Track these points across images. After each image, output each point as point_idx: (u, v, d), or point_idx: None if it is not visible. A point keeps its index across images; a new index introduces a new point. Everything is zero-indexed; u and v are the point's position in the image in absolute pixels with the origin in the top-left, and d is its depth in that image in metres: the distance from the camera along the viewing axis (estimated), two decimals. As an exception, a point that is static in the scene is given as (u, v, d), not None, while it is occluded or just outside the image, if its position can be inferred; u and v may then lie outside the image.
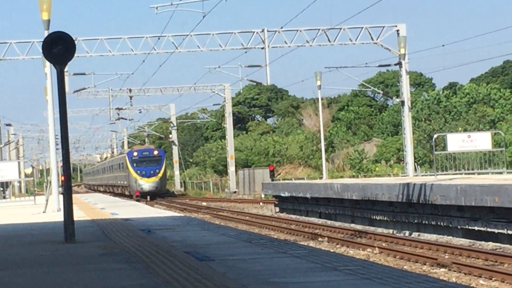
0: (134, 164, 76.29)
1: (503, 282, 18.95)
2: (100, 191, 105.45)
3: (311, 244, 29.47)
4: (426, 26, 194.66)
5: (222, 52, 57.46)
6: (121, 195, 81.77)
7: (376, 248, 27.42)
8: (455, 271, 21.55)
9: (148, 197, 75.50)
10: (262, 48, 53.19)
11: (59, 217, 24.96)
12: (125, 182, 79.22)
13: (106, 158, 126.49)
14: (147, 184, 74.96)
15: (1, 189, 78.79)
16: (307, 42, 53.03)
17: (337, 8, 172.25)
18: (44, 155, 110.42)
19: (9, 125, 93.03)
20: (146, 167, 76.10)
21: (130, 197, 75.06)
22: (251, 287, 10.55)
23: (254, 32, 54.09)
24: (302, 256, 14.30)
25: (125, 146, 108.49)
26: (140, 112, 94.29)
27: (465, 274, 20.99)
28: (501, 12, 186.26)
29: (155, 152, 78.61)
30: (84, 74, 66.48)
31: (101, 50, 55.81)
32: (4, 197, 76.15)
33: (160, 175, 76.03)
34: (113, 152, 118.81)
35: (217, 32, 53.98)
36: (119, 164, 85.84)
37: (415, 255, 25.10)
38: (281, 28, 51.95)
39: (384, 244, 28.54)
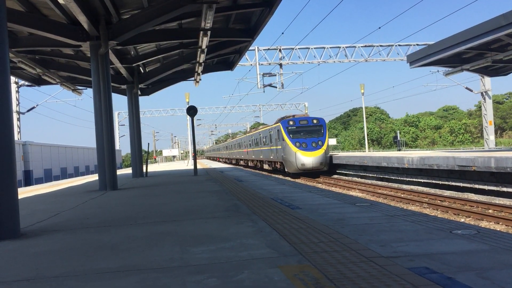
0: (291, 135, 22.86)
1: (336, 187, 18.60)
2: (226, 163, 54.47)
3: (278, 175, 26.15)
4: (316, 101, 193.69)
5: (246, 106, 64.91)
6: (260, 169, 31.46)
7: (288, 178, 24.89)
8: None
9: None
10: (260, 110, 60.98)
11: (192, 167, 24.91)
12: (277, 157, 24.73)
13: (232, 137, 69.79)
14: (310, 159, 21.86)
15: (172, 158, 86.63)
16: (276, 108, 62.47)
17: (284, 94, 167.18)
18: (187, 146, 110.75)
19: (175, 136, 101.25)
20: (306, 139, 22.70)
21: (278, 171, 26.73)
22: (253, 189, 9.83)
23: (257, 105, 60.42)
24: (273, 180, 12.97)
25: None
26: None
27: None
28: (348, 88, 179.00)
29: (315, 121, 23.42)
30: (200, 119, 72.57)
31: (203, 110, 60.59)
32: (173, 160, 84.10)
33: (324, 147, 22.61)
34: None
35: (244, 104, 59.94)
36: (265, 136, 28.32)
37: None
38: (266, 103, 60.47)
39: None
